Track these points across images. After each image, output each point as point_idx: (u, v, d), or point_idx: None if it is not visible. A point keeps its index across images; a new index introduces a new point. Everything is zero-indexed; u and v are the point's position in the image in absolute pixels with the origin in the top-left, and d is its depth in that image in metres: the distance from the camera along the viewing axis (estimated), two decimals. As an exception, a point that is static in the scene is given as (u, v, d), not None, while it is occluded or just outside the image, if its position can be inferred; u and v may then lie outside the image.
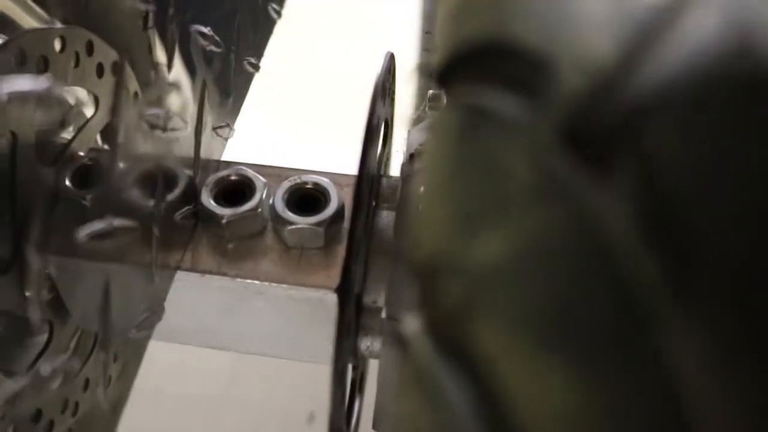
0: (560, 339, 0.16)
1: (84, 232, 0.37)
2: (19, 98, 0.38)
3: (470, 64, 0.21)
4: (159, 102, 0.43)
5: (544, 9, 0.19)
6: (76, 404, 0.55)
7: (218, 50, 0.47)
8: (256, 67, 0.56)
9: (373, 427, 0.46)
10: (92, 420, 0.58)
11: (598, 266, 0.16)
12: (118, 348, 0.49)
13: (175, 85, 0.48)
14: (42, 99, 0.40)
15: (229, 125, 0.53)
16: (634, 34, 0.17)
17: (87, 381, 0.56)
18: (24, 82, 0.38)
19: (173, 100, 0.46)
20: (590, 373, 0.16)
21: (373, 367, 0.56)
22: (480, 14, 0.21)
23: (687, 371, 0.15)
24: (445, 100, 0.24)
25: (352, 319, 0.43)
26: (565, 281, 0.17)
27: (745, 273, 0.15)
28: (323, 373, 0.45)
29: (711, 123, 0.16)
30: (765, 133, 0.15)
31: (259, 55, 0.57)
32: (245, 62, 0.54)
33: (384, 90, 0.43)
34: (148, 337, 0.45)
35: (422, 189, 0.24)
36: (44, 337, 0.52)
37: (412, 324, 0.22)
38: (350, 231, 0.39)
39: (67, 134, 0.54)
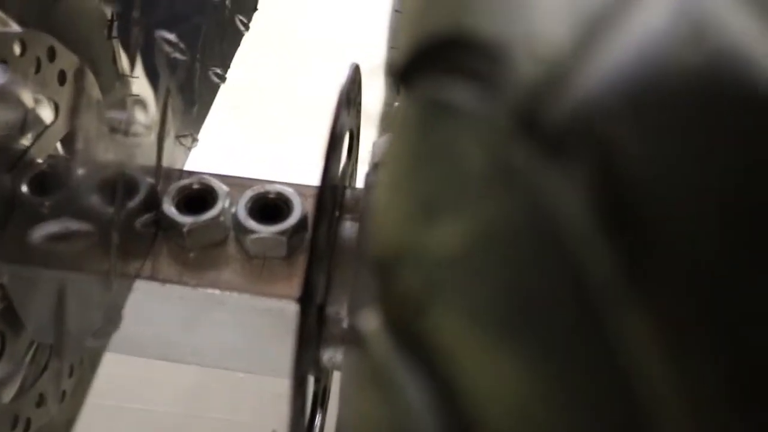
0: (516, 328, 0.16)
1: (40, 233, 0.36)
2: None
3: (430, 59, 0.21)
4: (121, 106, 0.43)
5: (500, 1, 0.19)
6: (28, 420, 0.53)
7: (183, 58, 0.47)
8: (222, 78, 0.56)
9: (335, 441, 0.45)
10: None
11: (554, 254, 0.16)
12: (73, 360, 0.48)
13: (137, 94, 0.48)
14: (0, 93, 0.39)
15: (193, 135, 0.52)
16: (587, 22, 0.17)
17: (41, 396, 0.54)
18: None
19: (136, 107, 0.46)
20: (547, 363, 0.16)
21: (336, 381, 0.55)
22: (440, 9, 0.21)
23: (642, 359, 0.15)
24: (404, 100, 0.24)
25: (313, 329, 0.42)
26: (522, 270, 0.16)
27: (700, 263, 0.15)
28: (285, 389, 0.44)
29: (664, 112, 0.16)
30: (718, 120, 0.16)
31: (225, 66, 0.57)
32: (211, 72, 0.53)
33: (349, 100, 0.43)
34: (104, 347, 0.44)
35: (381, 184, 0.24)
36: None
37: (369, 320, 0.22)
38: (312, 239, 0.38)
39: (25, 141, 0.53)
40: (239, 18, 0.58)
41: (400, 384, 0.20)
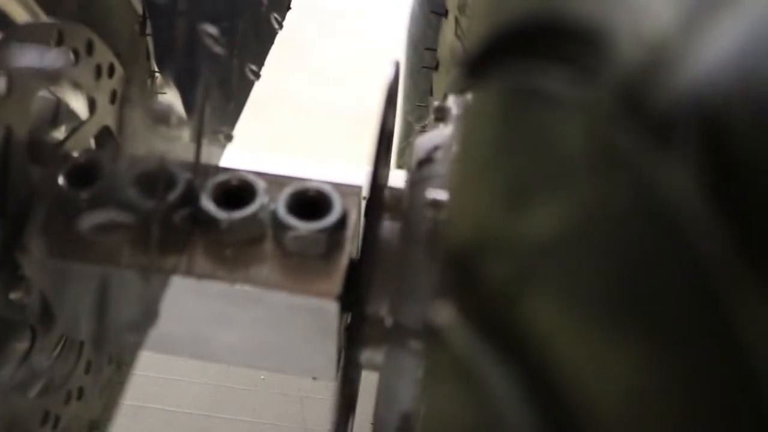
0: (627, 314, 0.16)
1: (84, 223, 0.35)
2: (34, 73, 0.37)
3: (514, 44, 0.21)
4: (162, 99, 0.42)
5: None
6: (57, 417, 0.53)
7: (223, 54, 0.46)
8: (257, 75, 0.56)
9: (370, 443, 0.44)
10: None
11: (666, 237, 0.15)
12: (108, 355, 0.47)
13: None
14: (53, 77, 0.39)
15: (229, 131, 0.52)
16: (695, 2, 0.16)
17: (69, 393, 0.54)
18: (40, 56, 0.37)
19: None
20: (663, 351, 0.15)
21: (364, 382, 0.54)
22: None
23: (759, 343, 0.15)
24: (478, 90, 0.24)
25: (354, 329, 0.42)
26: (631, 253, 0.16)
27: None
28: (309, 390, 0.44)
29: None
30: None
31: (261, 63, 0.56)
32: (247, 69, 0.53)
33: (393, 98, 0.43)
34: (140, 343, 0.43)
35: (457, 177, 0.23)
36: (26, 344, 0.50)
37: (444, 312, 0.21)
38: (364, 236, 0.38)
39: (59, 134, 0.53)
40: (275, 16, 0.58)
41: (484, 375, 0.19)
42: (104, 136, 0.53)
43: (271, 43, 0.58)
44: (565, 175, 0.18)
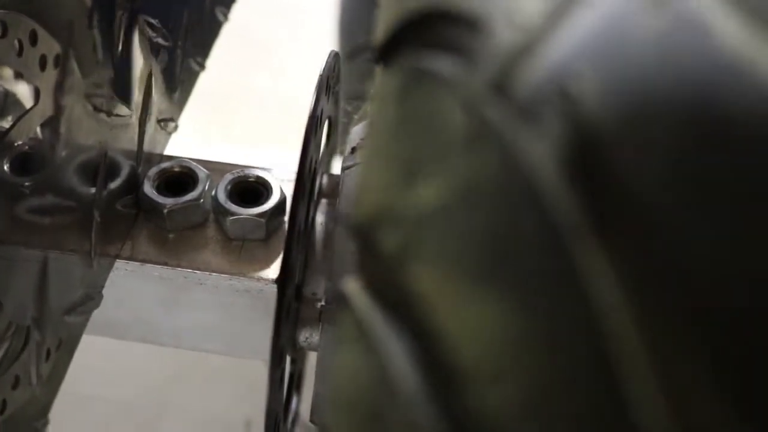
0: (492, 275, 0.18)
1: (23, 207, 0.36)
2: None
3: (411, 33, 0.23)
4: (103, 86, 0.43)
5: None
6: (4, 402, 0.53)
7: (165, 44, 0.48)
8: (202, 66, 0.57)
9: (311, 420, 0.46)
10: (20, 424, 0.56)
11: (528, 205, 0.18)
12: (51, 343, 0.48)
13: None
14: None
15: (174, 120, 0.53)
16: (558, -2, 0.19)
17: (17, 378, 0.54)
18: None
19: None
20: (521, 306, 0.17)
21: (311, 364, 0.56)
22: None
23: (609, 300, 0.17)
24: (383, 74, 0.26)
25: (292, 309, 0.44)
26: (497, 220, 0.18)
27: (659, 209, 0.17)
28: (261, 375, 0.45)
29: (626, 72, 0.17)
30: (676, 78, 0.17)
31: (205, 54, 0.58)
32: (191, 60, 0.54)
33: (328, 86, 0.45)
34: (83, 324, 0.45)
35: (364, 156, 0.25)
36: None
37: (351, 283, 0.23)
38: (290, 220, 0.39)
39: (5, 123, 0.53)
40: (220, 9, 0.59)
41: (380, 336, 0.21)
42: (51, 124, 0.54)
43: (217, 35, 0.59)
44: (447, 152, 0.20)
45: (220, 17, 0.60)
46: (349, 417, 0.22)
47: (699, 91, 0.16)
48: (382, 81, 0.24)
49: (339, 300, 0.24)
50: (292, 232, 0.39)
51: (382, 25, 0.25)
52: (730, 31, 0.17)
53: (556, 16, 0.19)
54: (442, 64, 0.21)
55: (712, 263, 0.16)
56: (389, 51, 0.24)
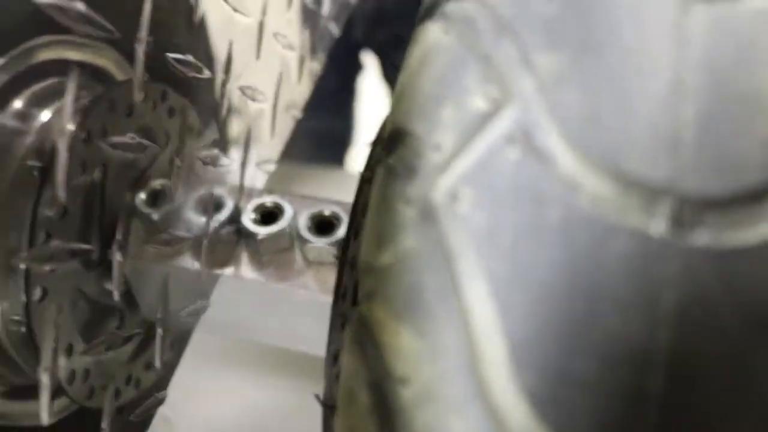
0: (405, 311, 0.28)
1: (153, 232, 0.49)
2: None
3: (388, 144, 0.33)
4: (210, 145, 0.56)
5: (426, 110, 0.30)
6: (139, 380, 0.68)
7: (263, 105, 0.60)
8: (299, 114, 0.69)
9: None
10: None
11: (437, 268, 0.27)
12: (170, 335, 0.62)
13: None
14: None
15: (272, 161, 0.65)
16: (464, 131, 0.28)
17: (148, 363, 0.69)
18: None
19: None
20: (423, 330, 0.27)
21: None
22: (395, 112, 0.33)
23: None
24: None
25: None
26: (413, 277, 0.28)
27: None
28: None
29: (496, 193, 0.27)
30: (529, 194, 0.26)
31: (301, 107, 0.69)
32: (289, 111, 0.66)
33: None
34: (194, 323, 0.58)
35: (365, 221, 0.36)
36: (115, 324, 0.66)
37: (353, 310, 0.34)
38: (341, 255, 0.50)
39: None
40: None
41: (362, 345, 0.31)
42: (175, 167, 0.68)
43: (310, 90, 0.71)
44: (399, 229, 0.30)
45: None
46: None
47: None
48: (376, 171, 0.34)
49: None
50: (343, 263, 0.50)
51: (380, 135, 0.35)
52: (567, 162, 0.26)
53: (459, 146, 0.28)
54: (400, 168, 0.31)
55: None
56: (382, 154, 0.35)
